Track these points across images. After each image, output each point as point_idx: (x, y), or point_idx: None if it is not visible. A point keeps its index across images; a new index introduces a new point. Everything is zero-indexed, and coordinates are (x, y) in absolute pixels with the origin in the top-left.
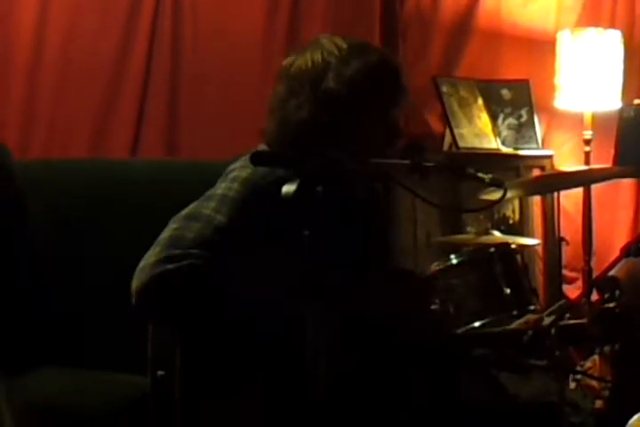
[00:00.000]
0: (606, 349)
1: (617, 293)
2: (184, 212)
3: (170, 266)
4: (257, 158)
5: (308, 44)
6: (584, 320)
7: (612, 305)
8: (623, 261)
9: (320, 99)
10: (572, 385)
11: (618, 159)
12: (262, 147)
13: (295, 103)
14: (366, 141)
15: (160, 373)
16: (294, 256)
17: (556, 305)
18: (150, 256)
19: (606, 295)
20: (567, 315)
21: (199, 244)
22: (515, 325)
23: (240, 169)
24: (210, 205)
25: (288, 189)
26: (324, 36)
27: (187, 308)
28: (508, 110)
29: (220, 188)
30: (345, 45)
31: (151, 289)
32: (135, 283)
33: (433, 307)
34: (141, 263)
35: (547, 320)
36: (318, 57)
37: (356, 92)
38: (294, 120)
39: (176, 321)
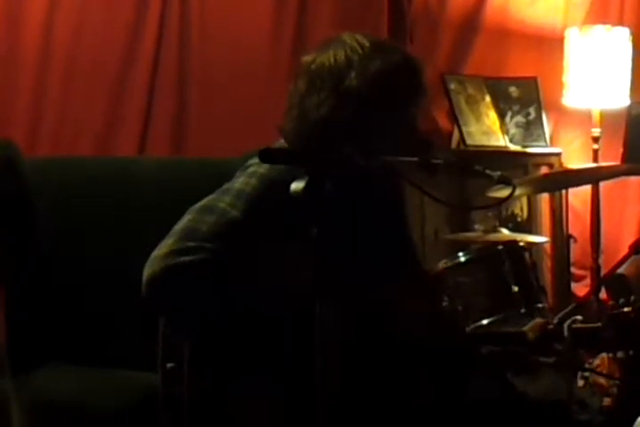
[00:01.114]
0: (619, 354)
1: (632, 298)
2: (200, 204)
3: (181, 259)
4: (265, 155)
5: (329, 41)
6: (597, 324)
7: (626, 310)
8: (632, 259)
9: (341, 96)
10: (581, 383)
11: (626, 157)
12: (280, 143)
13: (316, 100)
14: (384, 139)
15: (170, 365)
16: (308, 254)
17: (568, 308)
18: (163, 247)
19: (621, 301)
20: (578, 316)
21: (212, 237)
22: (527, 328)
23: (259, 165)
24: (226, 199)
25: (297, 185)
26: (346, 33)
27: (195, 301)
28: (516, 108)
29: (238, 182)
30: (367, 43)
31: (161, 280)
32: (146, 272)
33: (441, 304)
34: (154, 253)
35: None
36: (341, 54)
37: (377, 91)
38: (314, 117)
39: (184, 314)
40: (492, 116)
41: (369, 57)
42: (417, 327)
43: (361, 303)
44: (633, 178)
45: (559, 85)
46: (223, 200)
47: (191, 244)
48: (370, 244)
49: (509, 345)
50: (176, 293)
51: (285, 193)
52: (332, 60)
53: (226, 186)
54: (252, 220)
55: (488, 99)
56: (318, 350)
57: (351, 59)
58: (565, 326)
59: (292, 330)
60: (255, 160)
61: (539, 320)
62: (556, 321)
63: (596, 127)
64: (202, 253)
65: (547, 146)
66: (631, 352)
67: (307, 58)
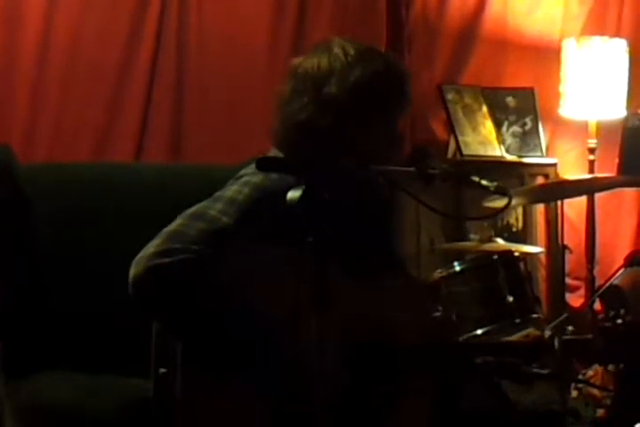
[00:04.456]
0: (610, 367)
1: (622, 310)
2: (191, 210)
3: (166, 259)
4: (263, 164)
5: (318, 47)
6: (588, 336)
7: (617, 322)
8: (627, 270)
9: (321, 103)
10: (574, 394)
11: (622, 168)
12: (273, 151)
13: (297, 105)
14: (366, 147)
15: (162, 370)
16: (299, 261)
17: (559, 319)
18: (149, 247)
19: (611, 313)
20: (570, 327)
21: (200, 242)
22: (516, 337)
23: (252, 174)
24: (217, 207)
25: (293, 195)
26: (336, 39)
27: (178, 301)
28: (512, 118)
29: (230, 190)
30: (352, 51)
31: (145, 280)
32: (131, 272)
33: (435, 314)
34: (140, 254)
35: (547, 334)
36: (325, 61)
37: (357, 99)
38: (294, 121)
39: (168, 313)
40: (488, 126)
41: (351, 65)
42: (406, 335)
43: (349, 311)
44: (628, 189)
45: (556, 96)
46: (214, 208)
47: (177, 245)
48: (358, 252)
49: (503, 355)
50: (160, 292)
51: (277, 203)
52: (315, 66)
53: (217, 194)
54: (243, 228)
55: (485, 109)
56: (313, 356)
57: (333, 66)
58: (556, 337)
59: (279, 337)
60: (248, 170)
61: (531, 330)
62: (548, 331)
63: (592, 138)
64: (187, 255)
65: (543, 156)
66: (622, 365)
67: (294, 62)
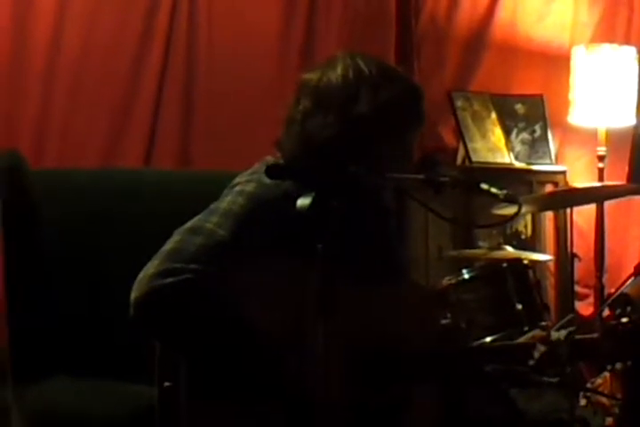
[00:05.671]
0: (618, 365)
1: (628, 309)
2: (187, 225)
3: (167, 280)
4: (273, 171)
5: (334, 61)
6: (595, 335)
7: (624, 321)
8: (637, 279)
9: (348, 121)
10: (583, 402)
11: (631, 176)
12: (269, 158)
13: (321, 121)
14: (381, 160)
15: (167, 384)
16: (301, 270)
17: (565, 319)
18: (150, 268)
19: (618, 311)
20: (577, 330)
21: (199, 258)
22: (521, 340)
23: (245, 183)
24: (213, 220)
25: (303, 202)
26: (349, 53)
27: (181, 322)
28: (521, 125)
29: (225, 201)
30: (375, 68)
31: (148, 302)
32: (133, 294)
33: (444, 321)
34: (141, 275)
35: (555, 335)
36: (349, 76)
37: (384, 118)
38: (319, 137)
39: (171, 335)
40: (497, 133)
41: (379, 84)
42: (412, 343)
43: (355, 319)
44: (638, 197)
45: (565, 103)
46: (210, 221)
47: (177, 265)
48: (364, 260)
49: (512, 362)
50: (162, 314)
51: (272, 211)
52: (339, 82)
53: (213, 206)
54: (240, 239)
55: (494, 116)
56: (319, 366)
57: (360, 84)
58: (563, 337)
59: (283, 348)
60: (242, 178)
61: (537, 332)
62: (553, 333)
63: (601, 146)
64: (187, 275)
65: (552, 164)
66: (629, 363)
67: (311, 76)
